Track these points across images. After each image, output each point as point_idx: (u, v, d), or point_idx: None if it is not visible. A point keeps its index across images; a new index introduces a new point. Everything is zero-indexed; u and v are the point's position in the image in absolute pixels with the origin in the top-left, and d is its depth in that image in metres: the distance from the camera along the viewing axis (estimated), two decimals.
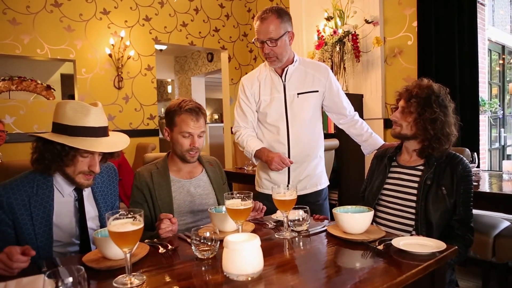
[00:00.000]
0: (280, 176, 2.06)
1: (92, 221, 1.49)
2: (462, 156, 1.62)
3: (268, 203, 1.71)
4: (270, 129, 2.06)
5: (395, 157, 1.75)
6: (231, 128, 5.78)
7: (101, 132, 1.39)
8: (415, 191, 1.61)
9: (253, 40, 1.99)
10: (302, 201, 1.98)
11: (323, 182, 2.16)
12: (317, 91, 2.04)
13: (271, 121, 2.04)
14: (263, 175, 2.13)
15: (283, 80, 2.03)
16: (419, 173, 1.63)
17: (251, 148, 2.01)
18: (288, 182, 2.06)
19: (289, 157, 2.02)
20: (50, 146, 1.33)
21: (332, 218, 1.57)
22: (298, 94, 2.02)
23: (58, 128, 1.36)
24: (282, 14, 1.91)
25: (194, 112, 1.67)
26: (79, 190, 1.47)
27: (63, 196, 1.44)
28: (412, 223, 1.58)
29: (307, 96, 2.02)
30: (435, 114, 1.57)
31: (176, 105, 1.69)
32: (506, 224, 2.44)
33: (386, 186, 1.70)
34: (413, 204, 1.59)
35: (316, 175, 2.11)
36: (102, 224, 1.51)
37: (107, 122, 1.44)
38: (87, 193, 1.51)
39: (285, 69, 2.02)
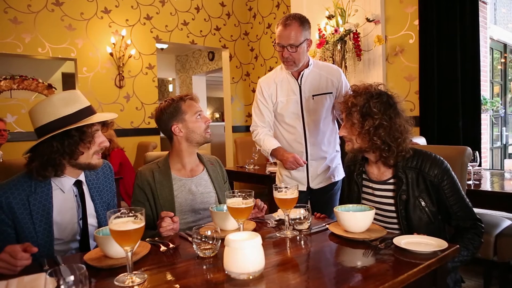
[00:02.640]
0: (299, 173, 2.18)
1: (91, 217, 1.50)
2: (432, 155, 1.50)
3: None
4: (288, 129, 2.18)
5: (364, 168, 1.64)
6: (232, 127, 5.78)
7: (93, 109, 1.46)
8: (392, 208, 1.53)
9: (273, 44, 2.08)
10: (317, 191, 2.18)
11: (340, 174, 2.26)
12: (331, 93, 2.15)
13: (289, 122, 2.16)
14: (284, 171, 2.24)
15: (299, 83, 2.13)
16: (392, 187, 1.54)
17: (268, 147, 2.12)
18: (308, 178, 2.18)
19: (306, 155, 2.14)
20: (63, 141, 1.33)
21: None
22: (313, 96, 2.12)
23: (59, 123, 1.34)
24: (304, 22, 2.01)
25: (193, 96, 1.78)
26: (79, 184, 1.47)
27: (63, 192, 1.44)
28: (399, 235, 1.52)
29: (321, 97, 2.13)
30: (377, 122, 1.44)
31: (174, 100, 1.75)
32: (507, 223, 2.43)
33: (363, 201, 1.63)
34: (395, 221, 1.53)
35: (333, 169, 2.23)
36: (99, 221, 1.51)
37: None
38: (85, 188, 1.51)
39: (301, 73, 2.12)
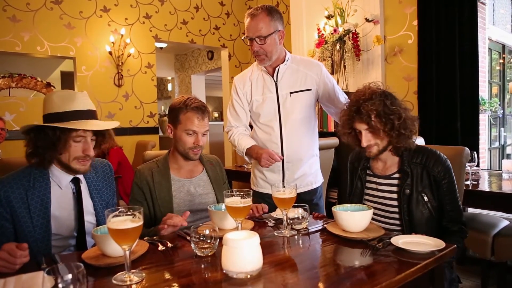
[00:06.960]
0: (274, 175, 2.03)
1: (89, 215, 1.50)
2: (436, 153, 1.54)
3: (263, 201, 1.71)
4: (263, 128, 2.03)
5: (368, 164, 1.66)
6: None
7: (90, 114, 1.43)
8: (395, 202, 1.55)
9: (242, 38, 1.96)
10: (296, 200, 1.97)
11: (318, 180, 2.13)
12: (310, 90, 2.00)
13: (264, 121, 2.02)
14: (258, 174, 2.09)
15: (275, 80, 1.99)
16: (396, 182, 1.56)
17: (242, 147, 2.00)
18: (283, 181, 2.01)
19: (282, 157, 1.98)
20: (42, 135, 1.35)
21: (329, 216, 1.57)
22: (290, 93, 1.98)
23: (49, 118, 1.38)
24: (272, 12, 1.89)
25: (200, 110, 1.66)
26: (76, 181, 1.48)
27: (61, 188, 1.45)
28: (400, 230, 1.53)
29: (299, 95, 1.98)
30: (403, 116, 1.47)
31: (181, 102, 1.67)
32: (505, 223, 2.44)
33: (366, 197, 1.64)
34: (397, 216, 1.55)
35: (311, 174, 2.08)
36: (98, 220, 1.51)
37: (94, 107, 1.48)
38: (84, 186, 1.51)
39: (276, 68, 1.98)
